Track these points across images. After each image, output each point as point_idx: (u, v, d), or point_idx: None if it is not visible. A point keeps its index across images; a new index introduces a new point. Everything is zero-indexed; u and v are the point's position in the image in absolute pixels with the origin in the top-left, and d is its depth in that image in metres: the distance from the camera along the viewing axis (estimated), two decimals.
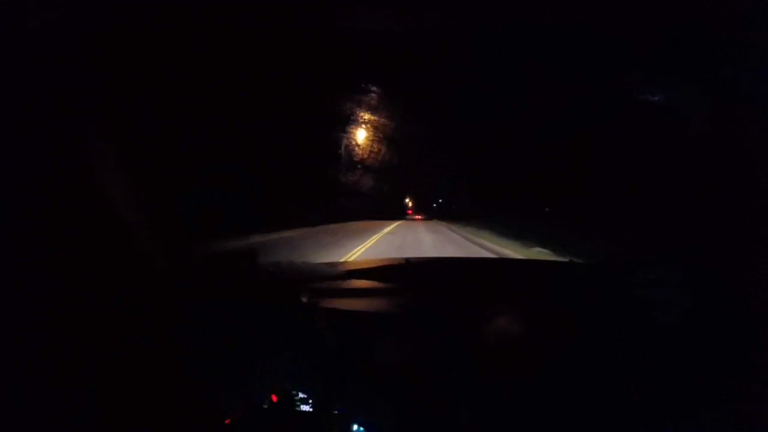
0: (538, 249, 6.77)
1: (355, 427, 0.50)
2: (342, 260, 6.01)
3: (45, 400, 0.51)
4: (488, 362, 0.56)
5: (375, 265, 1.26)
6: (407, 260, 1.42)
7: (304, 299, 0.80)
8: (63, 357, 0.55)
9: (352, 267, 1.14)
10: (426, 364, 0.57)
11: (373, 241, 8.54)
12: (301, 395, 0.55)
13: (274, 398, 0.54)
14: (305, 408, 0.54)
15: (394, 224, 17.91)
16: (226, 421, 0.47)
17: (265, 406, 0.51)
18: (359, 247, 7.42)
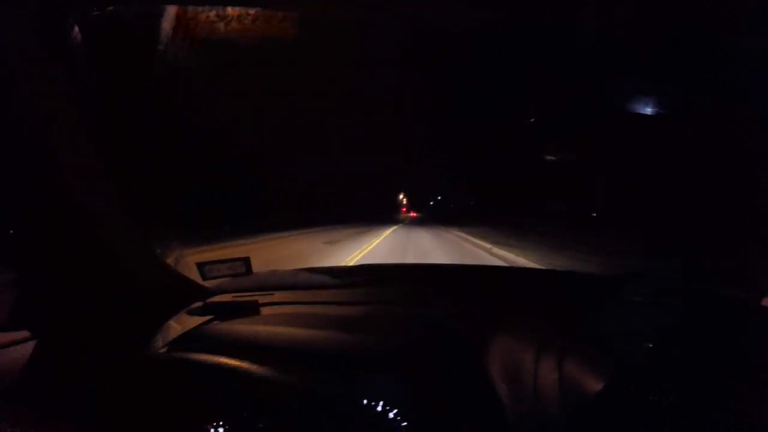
0: None
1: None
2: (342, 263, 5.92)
3: (45, 400, 0.51)
4: (490, 364, 0.56)
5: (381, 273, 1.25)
6: (418, 266, 1.40)
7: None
8: (63, 357, 0.55)
9: (358, 275, 1.14)
10: (430, 365, 0.57)
11: None
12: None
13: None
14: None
15: (379, 239, 9.93)
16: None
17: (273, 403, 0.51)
18: None
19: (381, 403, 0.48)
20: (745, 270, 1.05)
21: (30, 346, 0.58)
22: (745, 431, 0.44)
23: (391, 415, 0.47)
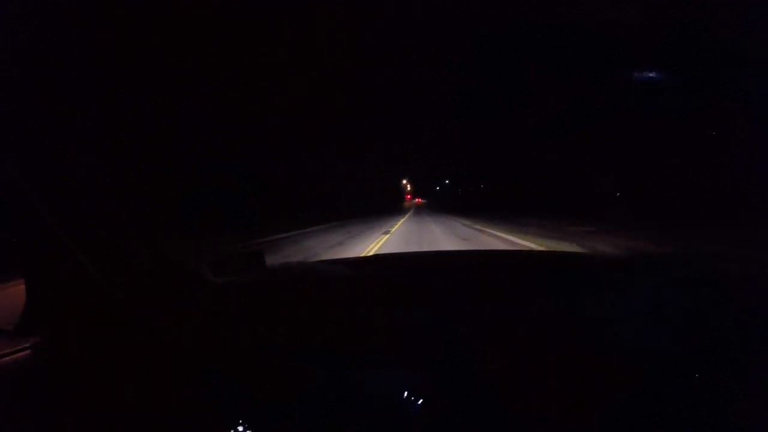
0: None
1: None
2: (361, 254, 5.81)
3: (44, 402, 0.51)
4: (491, 359, 0.57)
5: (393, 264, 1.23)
6: (432, 253, 1.37)
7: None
8: (73, 359, 0.56)
9: (370, 267, 1.13)
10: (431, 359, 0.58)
11: None
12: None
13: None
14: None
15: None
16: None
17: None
18: None
19: (405, 394, 0.48)
20: (743, 268, 1.06)
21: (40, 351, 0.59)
22: (745, 431, 0.44)
23: (415, 406, 0.47)
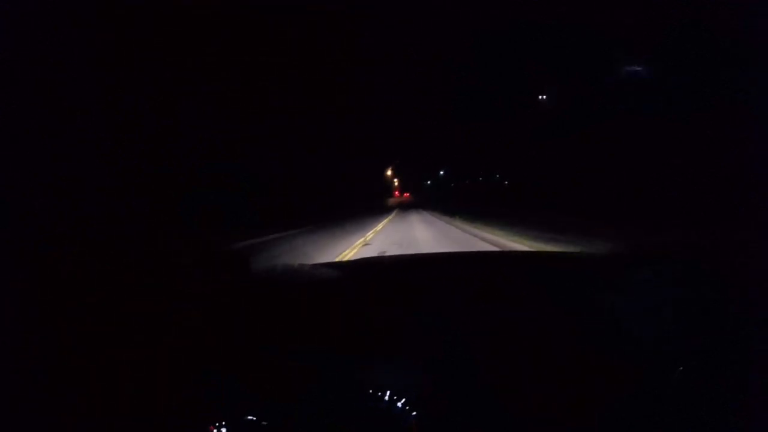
0: None
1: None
2: (339, 259, 5.76)
3: (44, 402, 0.51)
4: (490, 361, 0.57)
5: (378, 266, 1.24)
6: (417, 256, 1.38)
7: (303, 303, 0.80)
8: (62, 356, 0.56)
9: (356, 268, 1.14)
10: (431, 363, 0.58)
11: None
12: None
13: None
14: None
15: None
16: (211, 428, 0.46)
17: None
18: None
19: (388, 393, 0.48)
20: (743, 268, 1.06)
21: (32, 343, 0.59)
22: (745, 431, 0.44)
23: (399, 405, 0.47)
